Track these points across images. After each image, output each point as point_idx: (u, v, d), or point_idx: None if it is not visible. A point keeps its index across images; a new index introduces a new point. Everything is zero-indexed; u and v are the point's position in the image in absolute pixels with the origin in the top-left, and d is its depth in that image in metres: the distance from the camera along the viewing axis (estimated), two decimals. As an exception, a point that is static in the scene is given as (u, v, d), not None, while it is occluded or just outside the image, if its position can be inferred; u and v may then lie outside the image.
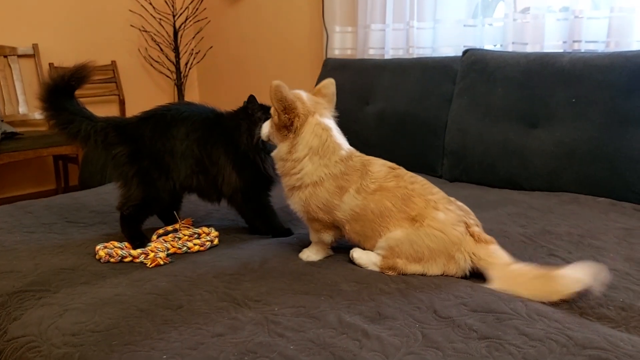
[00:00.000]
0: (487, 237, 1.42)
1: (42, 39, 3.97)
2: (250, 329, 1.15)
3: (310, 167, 1.47)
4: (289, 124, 1.46)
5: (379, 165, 1.51)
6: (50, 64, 3.99)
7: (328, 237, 1.54)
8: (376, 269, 1.44)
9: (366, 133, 2.70)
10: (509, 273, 1.34)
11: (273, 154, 1.54)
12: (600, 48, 2.35)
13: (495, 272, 1.36)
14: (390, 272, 1.41)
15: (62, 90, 1.64)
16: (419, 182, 1.49)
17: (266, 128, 1.55)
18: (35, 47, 3.92)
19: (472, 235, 1.41)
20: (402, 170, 1.53)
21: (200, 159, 1.69)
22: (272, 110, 1.50)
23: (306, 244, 1.60)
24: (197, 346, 1.09)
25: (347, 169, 1.48)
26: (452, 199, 1.50)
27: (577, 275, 1.27)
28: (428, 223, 1.40)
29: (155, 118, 1.71)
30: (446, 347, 1.07)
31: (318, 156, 1.47)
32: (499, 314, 1.19)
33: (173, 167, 1.68)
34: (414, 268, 1.40)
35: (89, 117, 1.68)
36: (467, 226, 1.42)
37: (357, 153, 1.54)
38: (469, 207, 1.51)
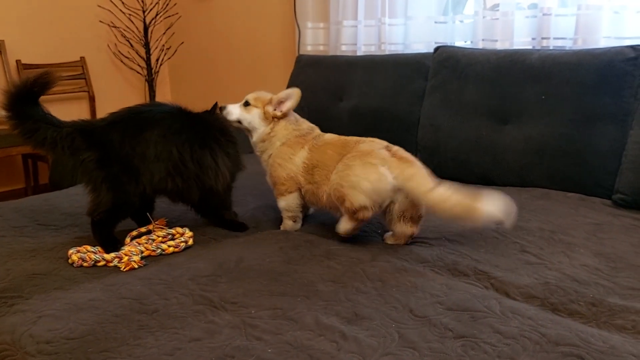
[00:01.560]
0: (407, 155, 1.63)
1: (8, 35, 3.88)
2: (228, 333, 1.15)
3: (283, 132, 1.80)
4: (281, 117, 1.82)
5: (332, 135, 1.81)
6: (18, 61, 3.90)
7: (293, 199, 1.78)
8: (348, 225, 1.60)
9: (340, 129, 2.66)
10: (432, 199, 1.52)
11: (254, 139, 1.85)
12: (568, 45, 2.39)
13: (421, 198, 1.55)
14: (355, 217, 1.57)
15: (25, 97, 1.59)
16: (360, 137, 1.72)
17: (249, 116, 1.84)
18: (1, 43, 3.83)
19: (394, 155, 1.60)
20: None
21: (179, 161, 1.67)
22: (271, 102, 1.82)
23: (279, 239, 1.64)
24: (174, 352, 1.09)
25: (308, 133, 1.82)
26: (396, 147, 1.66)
27: (491, 210, 1.45)
28: (348, 155, 1.63)
29: (125, 121, 1.68)
30: (422, 347, 1.08)
31: (291, 125, 1.82)
32: (474, 312, 1.20)
33: (144, 171, 1.65)
34: (358, 197, 1.55)
35: (54, 124, 1.63)
36: (389, 149, 1.63)
37: (320, 132, 1.87)
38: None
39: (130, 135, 1.65)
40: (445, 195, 1.50)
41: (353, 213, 1.57)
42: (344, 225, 1.62)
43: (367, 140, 1.68)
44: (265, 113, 1.81)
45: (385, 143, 1.66)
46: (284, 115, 1.81)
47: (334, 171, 1.64)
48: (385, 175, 1.56)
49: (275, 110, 1.80)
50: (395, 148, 1.64)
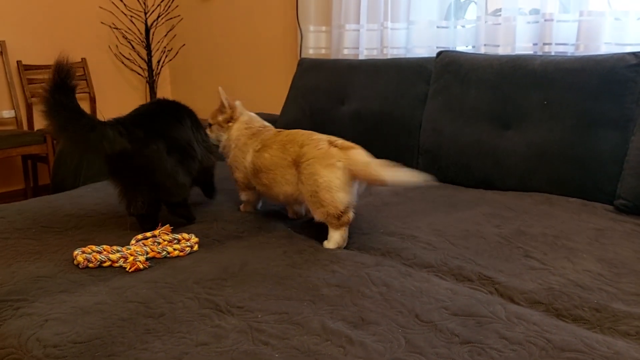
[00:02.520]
0: (350, 144, 1.67)
1: (9, 36, 3.89)
2: (235, 337, 1.15)
3: (236, 133, 1.91)
4: (231, 116, 1.93)
5: (272, 131, 1.88)
6: (18, 62, 3.91)
7: (248, 195, 1.94)
8: (336, 235, 1.65)
9: (341, 133, 2.67)
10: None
11: (220, 148, 1.98)
12: (570, 50, 2.41)
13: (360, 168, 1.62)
14: (340, 223, 1.63)
15: (68, 92, 1.59)
16: (296, 133, 1.77)
17: (214, 134, 1.98)
18: (2, 44, 3.84)
19: (336, 147, 1.65)
20: (290, 131, 1.82)
21: (209, 144, 1.94)
22: (219, 110, 1.95)
23: (283, 243, 1.63)
24: (182, 356, 1.09)
25: (256, 134, 1.88)
26: (334, 138, 1.71)
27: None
28: (305, 162, 1.66)
29: (162, 114, 1.82)
30: (429, 353, 1.09)
31: (243, 125, 1.92)
32: (479, 317, 1.21)
33: (197, 153, 1.85)
34: (338, 196, 1.61)
35: (103, 121, 1.70)
36: (331, 142, 1.67)
37: (278, 130, 1.89)
38: (445, 206, 1.56)
39: (174, 125, 1.80)
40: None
41: (338, 218, 1.62)
42: (335, 238, 1.65)
43: (308, 141, 1.70)
44: (220, 123, 1.95)
45: (326, 138, 1.70)
46: (232, 111, 1.93)
47: (304, 186, 1.67)
48: (343, 169, 1.62)
49: (223, 114, 1.94)
50: (340, 141, 1.69)
